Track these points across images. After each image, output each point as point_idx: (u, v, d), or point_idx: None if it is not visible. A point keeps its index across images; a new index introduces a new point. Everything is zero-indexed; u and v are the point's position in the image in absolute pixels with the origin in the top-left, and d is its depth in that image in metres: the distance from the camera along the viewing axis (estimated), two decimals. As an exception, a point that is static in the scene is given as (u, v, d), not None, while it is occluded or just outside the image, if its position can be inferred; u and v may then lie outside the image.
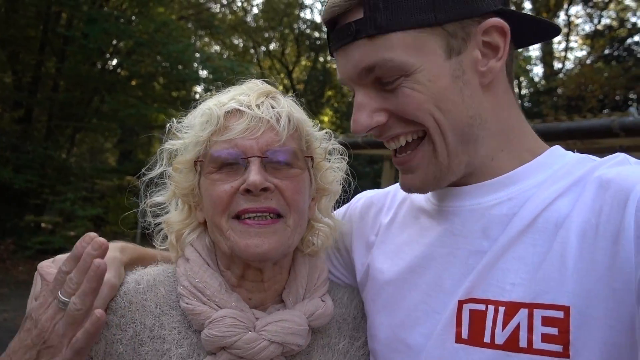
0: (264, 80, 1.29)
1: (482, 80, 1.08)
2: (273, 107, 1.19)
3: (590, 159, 1.08)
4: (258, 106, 1.18)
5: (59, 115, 16.91)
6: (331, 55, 1.17)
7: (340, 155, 1.38)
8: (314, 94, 28.23)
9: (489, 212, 1.09)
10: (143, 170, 1.32)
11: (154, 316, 1.19)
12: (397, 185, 1.43)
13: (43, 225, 16.11)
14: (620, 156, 1.06)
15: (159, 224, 1.33)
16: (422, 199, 1.27)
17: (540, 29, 1.18)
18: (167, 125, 1.30)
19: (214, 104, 1.21)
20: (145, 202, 1.32)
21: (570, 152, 1.13)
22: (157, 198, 1.33)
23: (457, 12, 1.03)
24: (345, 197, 1.43)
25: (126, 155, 23.07)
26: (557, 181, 1.04)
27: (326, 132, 1.35)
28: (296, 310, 1.21)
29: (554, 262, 0.96)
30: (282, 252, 1.16)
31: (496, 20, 1.06)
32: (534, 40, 1.26)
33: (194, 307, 1.16)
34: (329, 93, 28.67)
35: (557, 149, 1.14)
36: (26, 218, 15.54)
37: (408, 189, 1.16)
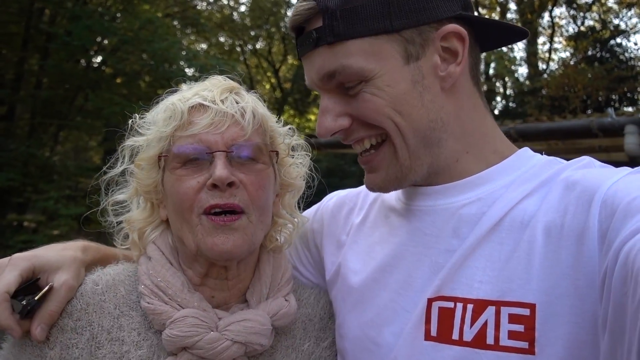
0: (226, 77, 1.29)
1: (443, 85, 1.10)
2: (237, 102, 1.19)
3: (557, 162, 1.11)
4: (222, 101, 1.18)
5: (42, 112, 16.67)
6: (299, 60, 1.19)
7: (304, 150, 1.39)
8: (301, 92, 28.18)
9: (459, 211, 1.11)
10: (104, 169, 1.30)
11: (112, 317, 1.16)
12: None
13: (26, 224, 15.90)
14: (585, 159, 1.09)
15: (120, 223, 1.32)
16: (392, 199, 1.29)
17: (506, 32, 1.21)
18: (129, 122, 1.29)
19: (178, 99, 1.20)
20: (105, 201, 1.30)
21: (538, 155, 1.16)
22: (119, 196, 1.31)
23: (413, 19, 1.05)
24: (309, 194, 1.44)
25: (111, 153, 22.37)
26: (525, 182, 1.07)
27: (290, 128, 1.35)
28: (259, 309, 1.20)
29: (520, 261, 0.98)
30: (246, 250, 1.15)
31: (453, 27, 1.08)
32: (501, 44, 1.29)
33: (155, 307, 1.14)
34: (316, 92, 28.65)
35: (526, 151, 1.17)
36: (8, 217, 15.32)
37: (371, 187, 1.19)
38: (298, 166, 1.36)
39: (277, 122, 1.31)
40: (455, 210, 1.12)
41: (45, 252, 1.18)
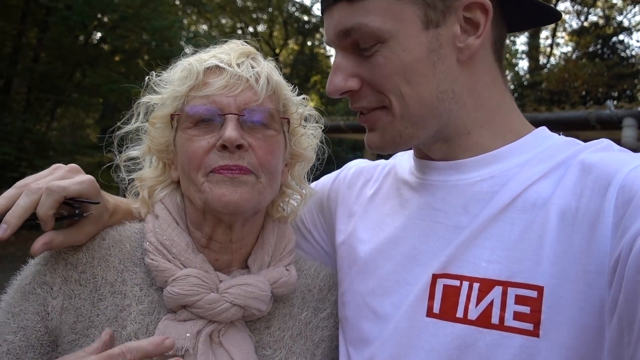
0: (245, 42, 1.29)
1: (460, 56, 1.07)
2: (253, 67, 1.19)
3: (575, 142, 1.08)
4: (238, 65, 1.18)
5: (39, 87, 16.57)
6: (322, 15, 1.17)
7: (316, 122, 1.38)
8: (300, 78, 28.06)
9: (470, 188, 1.10)
10: (119, 124, 1.30)
11: (116, 272, 1.18)
12: (389, 160, 1.44)
13: (20, 199, 15.84)
14: (604, 142, 1.06)
15: (132, 180, 1.33)
16: (406, 172, 1.28)
17: (536, 12, 1.17)
18: (146, 78, 1.29)
19: (195, 60, 1.21)
20: (119, 157, 1.31)
21: (555, 135, 1.13)
22: (132, 152, 1.32)
23: None
24: (319, 167, 1.44)
25: (108, 132, 22.73)
26: (540, 162, 1.05)
27: (303, 98, 1.35)
28: (260, 276, 1.22)
29: (531, 242, 0.97)
30: (253, 206, 1.15)
31: None
32: (531, 24, 1.25)
33: (158, 264, 1.16)
34: (315, 78, 28.53)
35: (543, 130, 1.15)
36: (3, 191, 15.28)
37: (369, 146, 1.17)
38: (309, 137, 1.36)
39: (291, 91, 1.31)
40: (467, 187, 1.10)
41: (99, 193, 1.20)
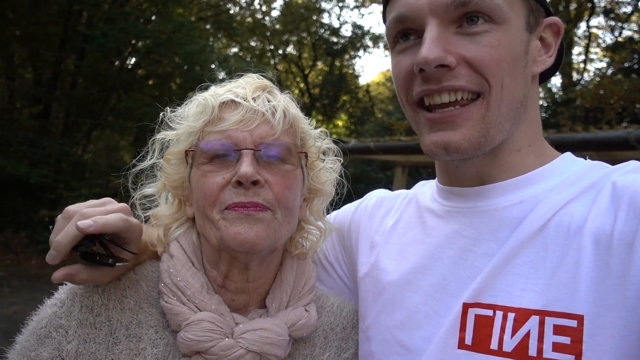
0: (261, 75, 1.27)
1: (534, 69, 1.09)
2: (269, 101, 1.17)
3: (603, 166, 1.07)
4: (254, 99, 1.16)
5: (77, 112, 17.11)
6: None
7: (335, 156, 1.35)
8: (329, 98, 28.23)
9: (499, 214, 1.07)
10: (134, 162, 1.29)
11: (132, 313, 1.16)
12: (410, 190, 1.41)
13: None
14: (632, 163, 1.04)
15: (148, 217, 1.30)
16: (428, 199, 1.25)
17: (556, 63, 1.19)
18: (161, 115, 1.27)
19: (210, 95, 1.19)
20: (134, 194, 1.29)
21: (581, 159, 1.12)
22: (147, 190, 1.30)
23: None
24: (337, 200, 1.40)
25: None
26: (570, 186, 1.03)
27: (321, 131, 1.32)
28: (278, 319, 1.17)
29: (568, 269, 0.94)
30: (269, 244, 1.12)
31: (556, 19, 1.10)
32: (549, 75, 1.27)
33: (172, 307, 1.13)
34: (344, 98, 28.65)
35: (569, 155, 1.14)
36: (40, 212, 15.70)
37: (444, 147, 1.04)
38: (328, 171, 1.32)
39: (309, 124, 1.28)
40: (495, 212, 1.08)
41: (135, 237, 1.14)
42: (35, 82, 18.09)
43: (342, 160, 1.36)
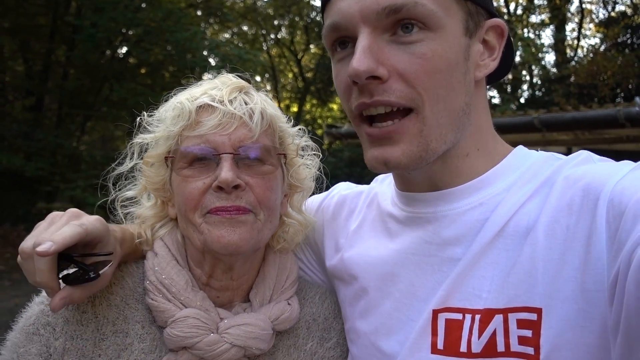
0: (237, 75, 1.27)
1: (477, 74, 1.06)
2: (246, 103, 1.17)
3: (555, 158, 1.07)
4: (231, 102, 1.16)
5: (69, 103, 17.01)
6: None
7: (313, 152, 1.37)
8: (323, 82, 28.08)
9: (460, 218, 1.07)
10: (113, 165, 1.29)
11: (118, 309, 1.18)
12: (370, 186, 1.41)
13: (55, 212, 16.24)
14: (583, 154, 1.05)
15: (129, 214, 1.31)
16: (389, 204, 1.25)
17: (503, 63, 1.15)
18: (138, 119, 1.28)
19: (186, 98, 1.19)
20: (114, 195, 1.29)
21: (533, 152, 1.12)
22: (128, 192, 1.31)
23: None
24: (319, 191, 1.42)
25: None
26: (526, 183, 1.03)
27: (300, 129, 1.33)
28: (261, 313, 1.20)
29: (524, 265, 0.95)
30: (252, 245, 1.14)
31: (499, 21, 1.07)
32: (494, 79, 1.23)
33: (158, 304, 1.16)
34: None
35: (521, 149, 1.14)
36: (38, 205, 15.69)
37: (384, 162, 1.03)
38: (307, 167, 1.34)
39: (286, 122, 1.29)
40: (456, 216, 1.08)
41: (110, 237, 1.12)
42: (26, 75, 17.93)
43: (320, 156, 1.38)
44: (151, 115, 1.27)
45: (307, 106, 29.16)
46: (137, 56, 17.85)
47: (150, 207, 1.30)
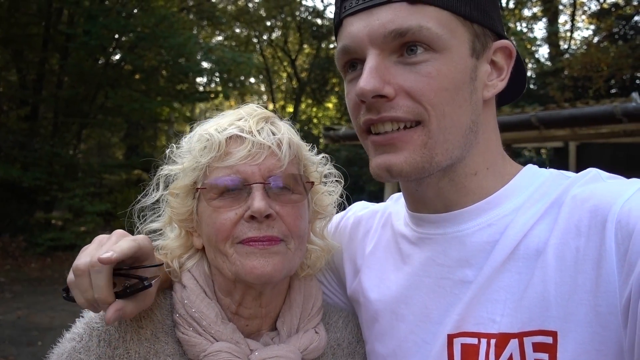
0: (259, 106, 1.30)
1: (485, 94, 1.08)
2: (274, 134, 1.19)
3: (564, 176, 1.08)
4: (259, 132, 1.18)
5: (65, 112, 17.00)
6: (338, 20, 1.11)
7: (336, 179, 1.38)
8: (318, 82, 28.11)
9: (469, 239, 1.08)
10: (139, 197, 1.30)
11: (149, 343, 1.19)
12: (385, 205, 1.42)
13: (53, 221, 16.27)
14: (591, 172, 1.06)
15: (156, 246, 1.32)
16: (402, 224, 1.26)
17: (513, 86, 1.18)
18: (167, 152, 1.29)
19: (214, 129, 1.20)
20: (139, 228, 1.30)
21: (543, 170, 1.13)
22: (153, 225, 1.32)
23: (485, 18, 1.06)
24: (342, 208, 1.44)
25: (133, 149, 23.17)
26: (534, 204, 1.04)
27: (322, 157, 1.35)
28: (290, 344, 1.21)
29: (536, 288, 0.96)
30: (285, 274, 1.16)
31: (507, 42, 1.09)
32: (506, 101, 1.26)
33: (189, 338, 1.17)
34: (334, 80, 28.53)
35: (530, 168, 1.14)
36: (36, 215, 15.69)
37: (387, 169, 1.05)
38: (330, 194, 1.36)
39: (309, 150, 1.32)
40: (465, 237, 1.09)
41: (154, 251, 1.18)
42: (20, 84, 17.89)
43: (342, 182, 1.39)
44: (178, 147, 1.28)
45: (303, 106, 29.17)
46: (131, 62, 17.84)
47: (175, 238, 1.31)
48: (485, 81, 1.08)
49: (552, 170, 1.13)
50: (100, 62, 17.97)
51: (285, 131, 1.22)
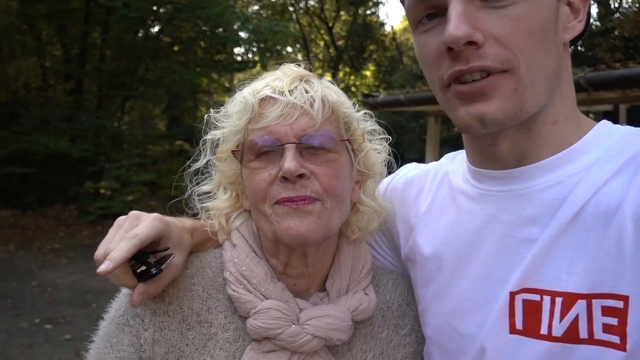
0: (298, 64, 1.29)
1: (565, 36, 1.05)
2: (307, 92, 1.18)
3: None
4: (291, 92, 1.18)
5: (108, 84, 17.44)
6: None
7: (382, 136, 1.35)
8: (355, 49, 27.70)
9: (537, 196, 1.04)
10: (188, 163, 1.34)
11: (201, 300, 1.24)
12: (439, 163, 1.39)
13: (102, 191, 16.88)
14: None
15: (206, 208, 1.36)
16: (461, 181, 1.23)
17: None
18: (206, 116, 1.32)
19: (249, 92, 1.22)
20: (190, 190, 1.35)
21: (619, 127, 1.07)
22: (204, 187, 1.36)
23: None
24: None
25: (174, 120, 23.60)
26: (609, 160, 0.99)
27: (365, 113, 1.33)
28: (340, 305, 1.23)
29: (610, 250, 0.92)
30: (322, 234, 1.16)
31: None
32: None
33: (240, 295, 1.20)
34: (371, 47, 28.09)
35: (605, 124, 1.08)
36: (86, 185, 16.31)
37: (480, 119, 1.00)
38: (376, 152, 1.33)
39: (352, 107, 1.29)
40: (533, 195, 1.05)
41: (174, 229, 1.22)
42: (65, 59, 18.42)
43: (390, 139, 1.36)
44: (218, 112, 1.31)
45: (340, 74, 28.87)
46: (169, 34, 18.00)
47: (225, 199, 1.35)
48: (565, 23, 1.04)
49: (628, 127, 1.06)
50: (139, 34, 18.21)
51: (320, 89, 1.21)
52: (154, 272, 1.13)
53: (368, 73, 29.02)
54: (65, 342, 6.58)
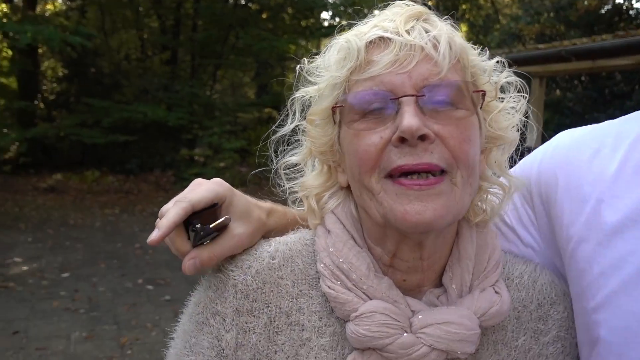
0: (413, 1, 1.00)
1: None
2: (427, 32, 0.91)
3: None
4: (408, 32, 0.91)
5: (200, 54, 18.04)
6: None
7: (518, 92, 1.04)
8: (447, 8, 26.44)
9: None
10: (273, 127, 1.11)
11: (291, 297, 1.01)
12: (617, 123, 1.10)
13: (196, 158, 17.68)
14: None
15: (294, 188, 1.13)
16: None
17: None
18: (297, 68, 1.07)
19: (353, 35, 0.96)
20: (277, 164, 1.12)
21: None
22: (291, 158, 1.12)
23: None
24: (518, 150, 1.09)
25: (263, 87, 24.05)
26: None
27: (497, 62, 1.02)
28: (464, 307, 0.96)
29: None
30: (450, 220, 0.91)
31: None
32: None
33: (337, 294, 0.96)
34: (464, 6, 26.66)
35: None
36: (181, 152, 17.16)
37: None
38: (509, 112, 1.03)
39: (479, 55, 1.00)
40: None
41: (239, 198, 1.07)
42: (161, 30, 19.27)
43: (526, 96, 1.06)
44: (311, 62, 1.05)
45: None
46: (257, 1, 18.20)
47: (315, 175, 1.10)
48: None
49: None
50: (229, 3, 18.58)
51: (444, 28, 0.93)
52: (202, 233, 0.98)
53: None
54: (165, 302, 6.92)
